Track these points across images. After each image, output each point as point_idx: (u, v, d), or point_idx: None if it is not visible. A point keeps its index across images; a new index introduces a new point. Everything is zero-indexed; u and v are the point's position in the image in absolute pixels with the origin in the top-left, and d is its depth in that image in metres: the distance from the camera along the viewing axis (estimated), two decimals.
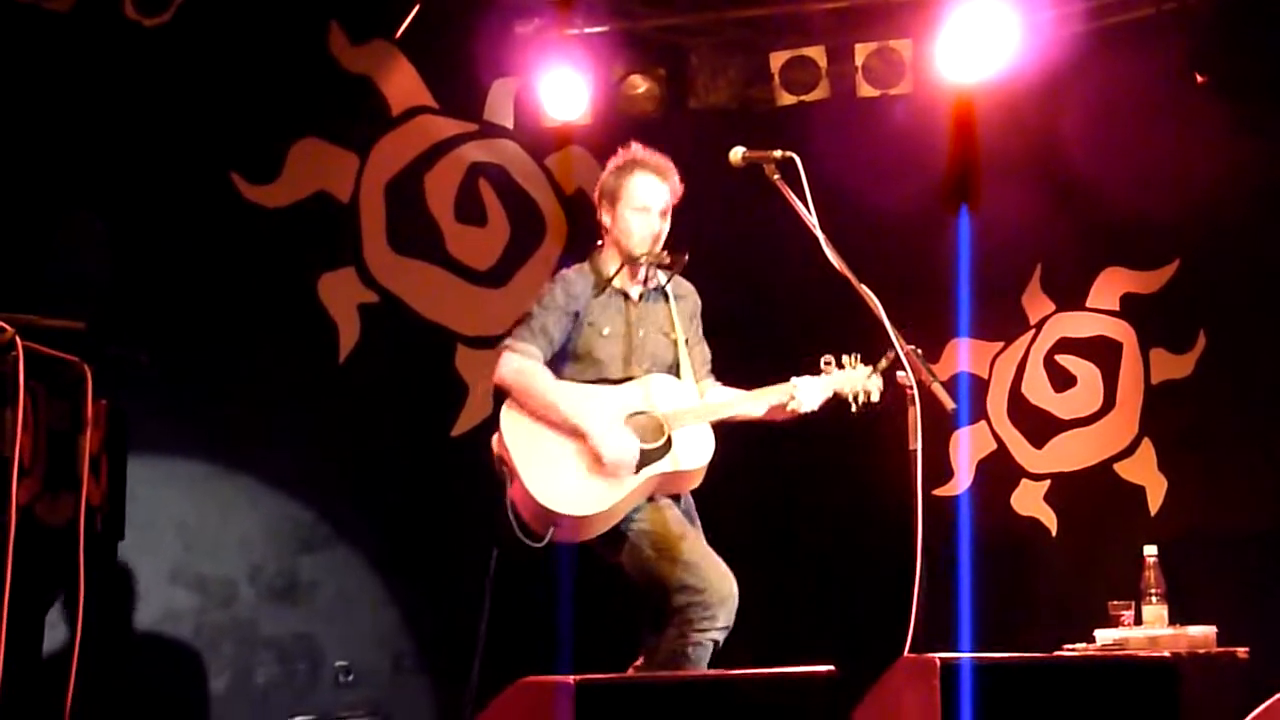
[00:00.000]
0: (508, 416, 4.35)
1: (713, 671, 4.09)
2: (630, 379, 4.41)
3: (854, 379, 4.41)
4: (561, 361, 4.44)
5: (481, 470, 6.48)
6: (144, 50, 5.86)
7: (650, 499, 4.34)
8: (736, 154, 4.35)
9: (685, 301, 4.59)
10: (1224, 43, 6.15)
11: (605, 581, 4.52)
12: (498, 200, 6.91)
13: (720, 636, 4.21)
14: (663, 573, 4.24)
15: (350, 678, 6.25)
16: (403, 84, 6.69)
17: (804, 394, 4.38)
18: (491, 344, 6.70)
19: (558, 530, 4.25)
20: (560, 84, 6.62)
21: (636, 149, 4.57)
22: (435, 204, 6.77)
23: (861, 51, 6.63)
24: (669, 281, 4.54)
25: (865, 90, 6.66)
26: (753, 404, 4.45)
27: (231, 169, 6.23)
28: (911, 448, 4.01)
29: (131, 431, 4.74)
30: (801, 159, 4.24)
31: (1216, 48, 6.16)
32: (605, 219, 4.50)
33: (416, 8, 6.44)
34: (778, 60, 6.71)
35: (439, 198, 6.78)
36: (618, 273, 4.46)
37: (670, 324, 4.50)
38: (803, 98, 6.70)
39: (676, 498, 4.44)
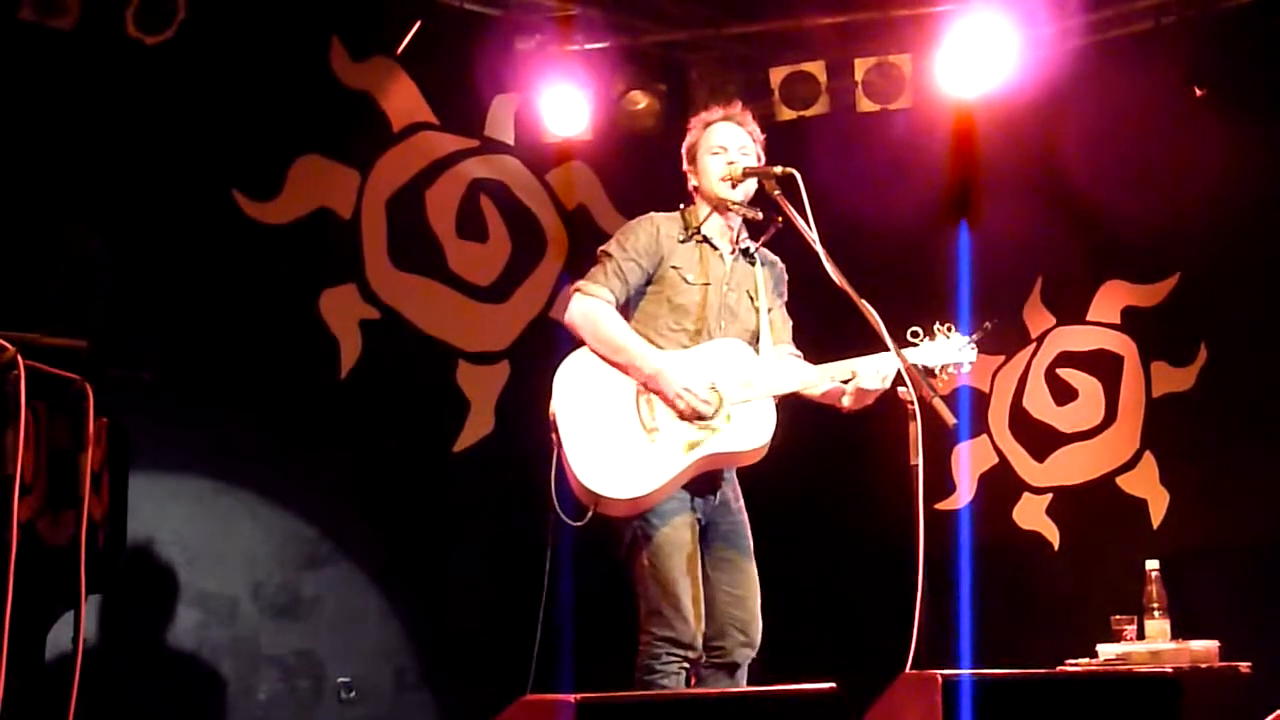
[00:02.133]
0: (563, 378, 4.23)
1: (715, 689, 4.08)
2: (702, 332, 4.33)
3: (944, 350, 4.29)
4: (638, 302, 4.36)
5: (483, 485, 6.52)
6: (146, 68, 5.88)
7: (690, 508, 4.25)
8: (737, 169, 4.36)
9: (772, 269, 4.53)
10: (1223, 56, 6.16)
11: (610, 596, 4.51)
12: (499, 216, 6.93)
13: (688, 670, 4.13)
14: (646, 589, 4.18)
15: (352, 694, 6.25)
16: (404, 100, 6.71)
17: (867, 371, 4.24)
18: (493, 360, 6.83)
19: (598, 507, 4.15)
20: (561, 100, 6.64)
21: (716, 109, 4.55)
22: (436, 220, 6.78)
23: (861, 66, 6.65)
24: (757, 247, 4.47)
25: (865, 105, 6.67)
26: (813, 379, 4.32)
27: (233, 186, 6.24)
28: (913, 463, 4.01)
29: (133, 448, 4.73)
30: (802, 174, 4.24)
31: (1215, 61, 6.17)
32: (692, 179, 4.46)
33: (417, 24, 6.45)
34: (778, 75, 6.73)
35: (440, 214, 6.79)
36: (705, 220, 4.39)
37: (755, 288, 4.44)
38: (803, 113, 6.72)
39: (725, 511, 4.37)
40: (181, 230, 6.04)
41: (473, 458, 6.69)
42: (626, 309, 4.35)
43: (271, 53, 6.19)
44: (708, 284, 4.36)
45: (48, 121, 5.73)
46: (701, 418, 4.19)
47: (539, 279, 6.94)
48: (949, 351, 4.29)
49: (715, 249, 4.41)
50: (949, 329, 4.31)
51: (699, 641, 4.16)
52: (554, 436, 4.19)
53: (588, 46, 6.67)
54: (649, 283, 4.36)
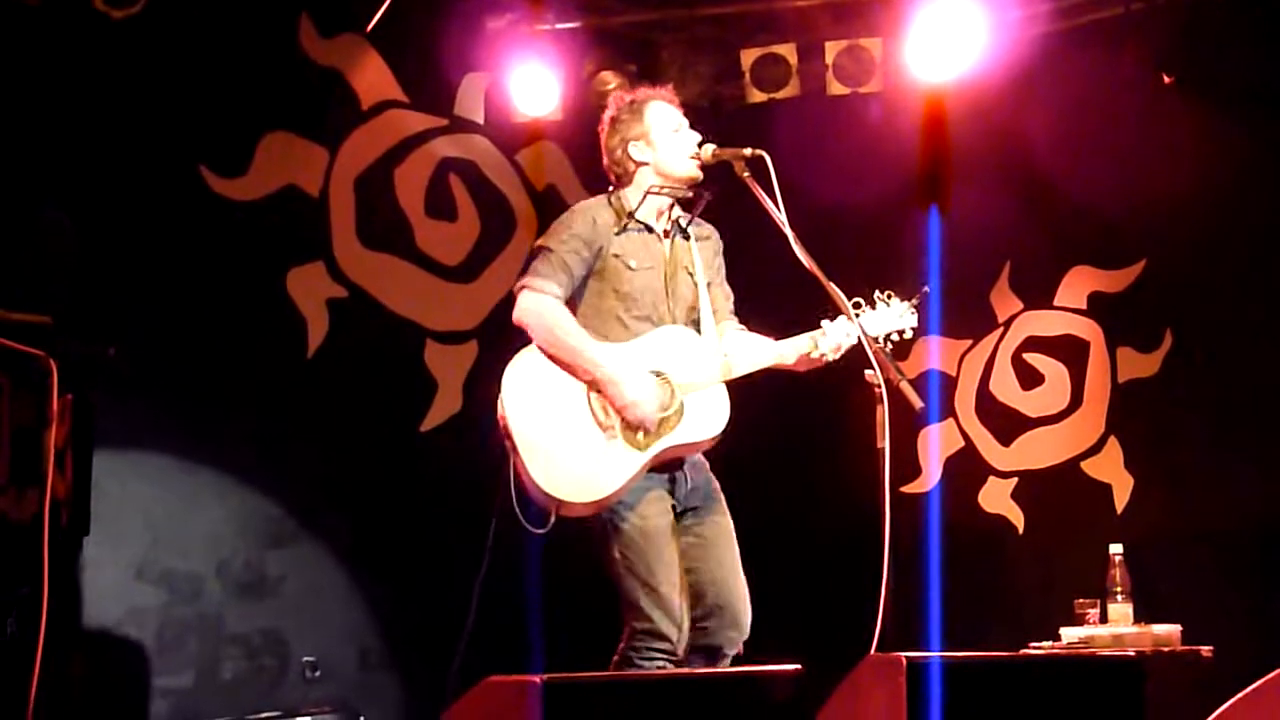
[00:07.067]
0: (511, 384, 4.14)
1: (680, 670, 4.07)
2: (650, 317, 4.26)
3: (886, 318, 4.31)
4: (583, 294, 4.28)
5: (450, 465, 6.51)
6: (113, 42, 5.82)
7: (662, 492, 4.21)
8: (706, 151, 4.34)
9: (707, 243, 4.46)
10: (1191, 43, 6.18)
11: (580, 577, 4.50)
12: (468, 195, 6.90)
13: (672, 664, 4.09)
14: (622, 582, 4.13)
15: (317, 673, 6.23)
16: (373, 78, 6.67)
17: (828, 340, 4.25)
18: (461, 339, 6.81)
19: (560, 511, 4.09)
20: (531, 79, 6.61)
21: (627, 92, 4.50)
22: (405, 199, 6.75)
23: (832, 49, 6.64)
24: (689, 222, 4.41)
25: (835, 88, 6.67)
26: (778, 355, 4.30)
27: (200, 162, 6.19)
28: (879, 446, 4.02)
29: (98, 425, 4.68)
30: (771, 156, 4.23)
31: (1184, 48, 6.19)
32: (638, 155, 4.32)
33: (387, 1, 6.41)
34: (748, 57, 6.71)
35: (409, 192, 6.75)
36: (640, 204, 4.31)
37: (693, 264, 4.36)
38: (773, 95, 6.71)
39: (698, 502, 4.33)
40: (148, 206, 5.99)
41: (440, 437, 6.67)
42: (573, 302, 4.27)
43: (240, 28, 6.14)
44: (651, 268, 4.30)
45: (13, 96, 5.67)
46: (646, 431, 4.14)
47: (508, 259, 6.91)
48: (891, 319, 4.32)
49: (651, 231, 4.35)
50: (889, 296, 4.32)
51: (679, 633, 4.10)
52: (507, 443, 4.11)
53: (558, 26, 6.65)
54: (589, 274, 4.29)
